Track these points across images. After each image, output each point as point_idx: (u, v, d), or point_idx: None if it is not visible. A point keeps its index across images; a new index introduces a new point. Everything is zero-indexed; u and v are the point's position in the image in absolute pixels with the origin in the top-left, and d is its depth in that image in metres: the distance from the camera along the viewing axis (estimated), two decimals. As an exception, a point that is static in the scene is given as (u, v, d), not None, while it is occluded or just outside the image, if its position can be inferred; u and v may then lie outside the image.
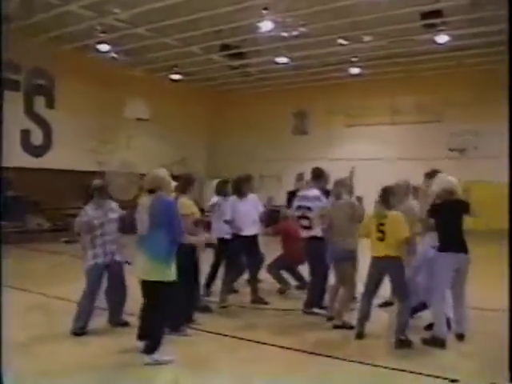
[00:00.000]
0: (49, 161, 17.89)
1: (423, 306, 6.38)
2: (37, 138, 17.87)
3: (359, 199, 7.11)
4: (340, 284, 6.89)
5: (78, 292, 6.31)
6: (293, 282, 8.82)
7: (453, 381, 4.77)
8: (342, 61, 18.91)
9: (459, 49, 17.10)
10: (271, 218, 9.35)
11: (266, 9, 13.76)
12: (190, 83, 22.22)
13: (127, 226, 6.46)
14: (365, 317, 6.20)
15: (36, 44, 16.60)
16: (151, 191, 5.27)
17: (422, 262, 6.44)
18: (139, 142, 20.25)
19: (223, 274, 7.89)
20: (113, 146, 18.93)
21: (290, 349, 5.82)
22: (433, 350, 5.68)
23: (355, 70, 19.32)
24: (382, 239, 5.98)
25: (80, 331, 6.09)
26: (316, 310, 7.17)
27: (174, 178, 5.98)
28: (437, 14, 14.15)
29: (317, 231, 7.12)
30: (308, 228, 7.27)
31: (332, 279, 7.17)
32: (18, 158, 16.21)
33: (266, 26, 14.56)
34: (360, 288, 6.79)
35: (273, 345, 5.92)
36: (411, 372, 5.02)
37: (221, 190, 7.99)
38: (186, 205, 6.10)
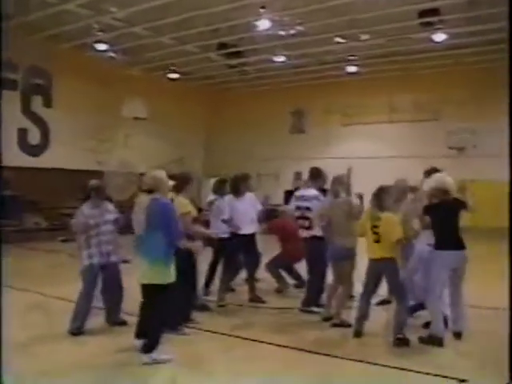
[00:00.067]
0: (46, 160, 17.89)
1: (421, 306, 6.38)
2: (34, 137, 17.88)
3: (360, 196, 7.11)
4: (338, 282, 6.90)
5: (76, 291, 6.30)
6: (290, 280, 8.83)
7: (457, 380, 4.76)
8: (339, 59, 18.95)
9: (456, 47, 17.14)
10: (269, 216, 9.35)
11: (263, 7, 13.79)
12: (188, 82, 22.23)
13: (123, 227, 6.47)
14: (363, 316, 6.21)
15: (33, 43, 16.60)
16: (149, 192, 5.27)
17: (418, 261, 6.44)
18: (137, 140, 20.26)
19: (221, 272, 7.89)
20: (110, 145, 18.93)
21: (288, 347, 5.81)
22: (431, 349, 5.68)
23: (352, 69, 19.36)
24: (377, 241, 5.99)
25: (77, 331, 6.07)
26: (314, 309, 7.18)
27: (171, 177, 5.98)
28: (434, 12, 14.20)
29: (317, 231, 7.12)
30: (308, 228, 7.27)
31: (330, 278, 7.17)
32: (15, 157, 16.23)
33: (264, 24, 14.59)
34: (358, 287, 6.79)
35: (270, 343, 5.92)
36: (409, 370, 5.02)
37: (218, 189, 7.99)
38: (183, 204, 6.10)
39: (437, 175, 6.30)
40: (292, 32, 15.74)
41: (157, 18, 15.01)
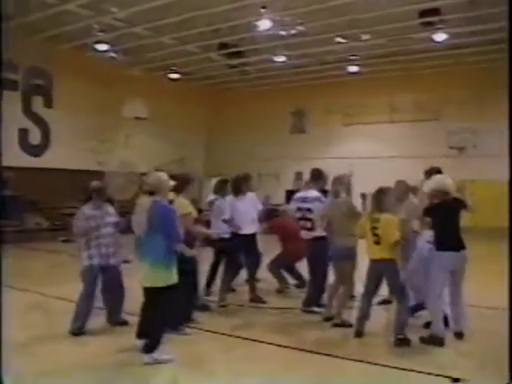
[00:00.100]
0: (47, 160, 17.90)
1: (421, 306, 6.38)
2: (35, 137, 17.89)
3: (363, 196, 7.12)
4: (339, 282, 6.90)
5: (77, 292, 6.30)
6: (291, 280, 8.83)
7: (456, 380, 4.77)
8: (340, 59, 18.95)
9: (457, 47, 17.14)
10: (270, 216, 9.35)
11: (264, 7, 13.78)
12: (189, 82, 22.23)
13: (124, 230, 6.48)
14: (364, 316, 6.21)
15: (34, 43, 16.61)
16: (151, 193, 5.28)
17: (419, 261, 6.44)
18: (138, 140, 20.27)
19: (223, 272, 7.89)
20: (111, 145, 18.94)
21: (288, 347, 5.81)
22: (432, 349, 5.67)
23: (353, 69, 19.35)
24: (377, 242, 5.99)
25: (78, 331, 6.07)
26: (315, 309, 7.18)
27: (172, 177, 5.99)
28: (435, 12, 14.19)
29: (319, 232, 7.12)
30: (310, 229, 7.27)
31: (331, 278, 7.17)
32: (16, 157, 16.25)
33: (264, 24, 14.59)
34: (359, 287, 6.79)
35: (271, 343, 5.92)
36: (410, 370, 5.02)
37: (219, 189, 7.98)
38: (183, 204, 6.11)
39: (437, 177, 6.31)
40: (293, 32, 15.74)
41: (157, 18, 15.01)
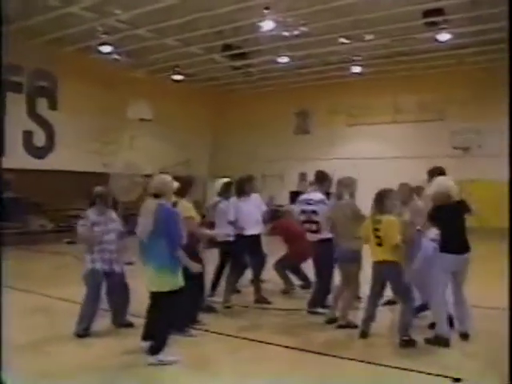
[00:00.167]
0: (51, 162, 17.92)
1: (426, 307, 6.37)
2: (39, 139, 17.92)
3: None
4: (345, 284, 6.89)
5: (81, 293, 6.31)
6: (297, 281, 8.82)
7: (457, 380, 4.76)
8: (343, 60, 18.92)
9: (461, 47, 17.09)
10: (274, 217, 9.35)
11: (267, 8, 13.77)
12: (192, 84, 22.24)
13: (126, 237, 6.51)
14: (370, 317, 6.21)
15: (38, 46, 16.65)
16: (155, 196, 5.29)
17: (423, 261, 6.42)
18: (142, 142, 20.27)
19: (228, 274, 7.89)
20: (116, 147, 18.94)
21: (294, 348, 5.82)
22: (437, 350, 5.66)
23: (357, 69, 19.29)
24: (379, 244, 5.99)
25: (83, 333, 6.08)
26: (320, 310, 7.17)
27: (176, 178, 6.01)
28: (438, 12, 14.16)
29: (325, 234, 7.11)
30: (315, 232, 7.26)
31: (337, 279, 7.16)
32: (20, 159, 16.28)
33: (268, 25, 14.56)
34: (364, 288, 6.78)
35: (277, 345, 5.92)
36: (415, 371, 5.01)
37: (224, 192, 7.99)
38: (186, 207, 6.13)
39: (439, 179, 6.28)
40: (296, 33, 15.72)
41: (161, 20, 15.02)
